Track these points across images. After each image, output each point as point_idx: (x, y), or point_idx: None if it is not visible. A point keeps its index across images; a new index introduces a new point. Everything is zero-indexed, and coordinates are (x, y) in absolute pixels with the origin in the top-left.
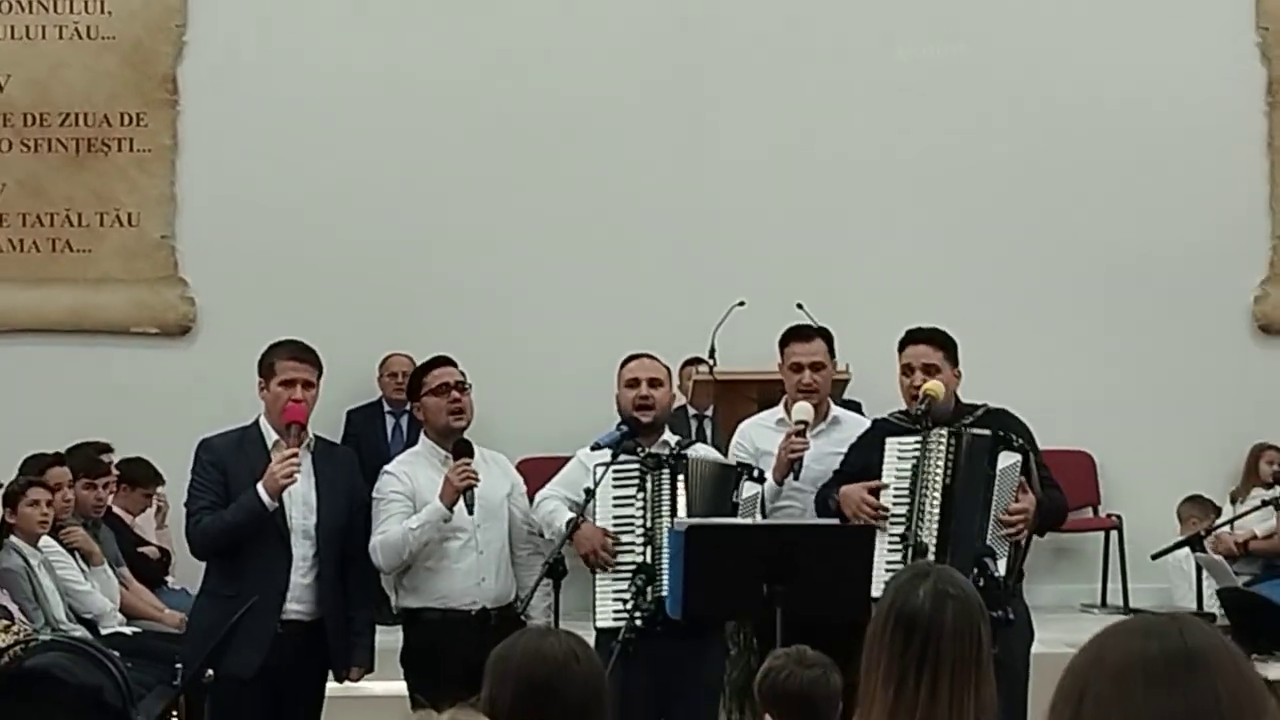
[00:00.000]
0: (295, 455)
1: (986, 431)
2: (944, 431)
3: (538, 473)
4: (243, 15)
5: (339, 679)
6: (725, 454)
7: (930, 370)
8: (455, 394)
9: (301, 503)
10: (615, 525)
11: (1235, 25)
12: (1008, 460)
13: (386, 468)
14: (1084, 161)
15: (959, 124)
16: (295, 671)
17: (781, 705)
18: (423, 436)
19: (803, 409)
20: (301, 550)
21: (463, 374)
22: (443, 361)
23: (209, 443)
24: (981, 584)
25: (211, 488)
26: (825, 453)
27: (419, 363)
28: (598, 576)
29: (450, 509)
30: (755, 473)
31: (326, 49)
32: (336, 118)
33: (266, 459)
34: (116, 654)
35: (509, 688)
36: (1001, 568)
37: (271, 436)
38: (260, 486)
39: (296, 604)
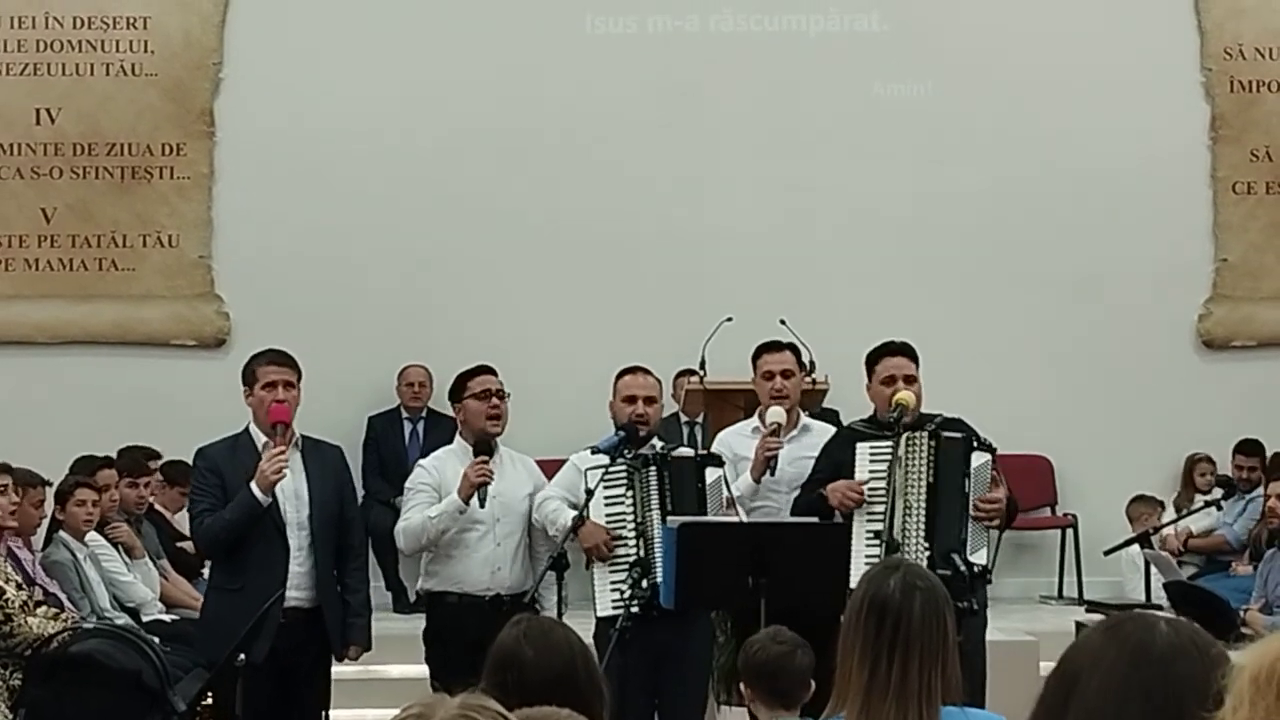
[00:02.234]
0: (283, 452)
1: (959, 434)
2: (924, 434)
3: (543, 473)
4: (273, 55)
5: (338, 658)
6: None
7: (910, 380)
8: (495, 400)
9: (294, 496)
10: (608, 521)
11: (1182, 66)
12: (980, 459)
13: (420, 461)
14: (1043, 189)
15: (927, 156)
16: (298, 655)
17: (751, 675)
18: (458, 436)
19: (776, 413)
20: (297, 541)
21: (502, 383)
22: (486, 370)
23: (204, 451)
24: (949, 575)
25: (210, 492)
26: (796, 456)
27: (432, 371)
28: (596, 569)
29: (466, 502)
30: (714, 460)
31: (348, 85)
32: (358, 149)
33: (258, 461)
34: (155, 640)
35: (487, 671)
36: (982, 557)
37: (260, 440)
38: (253, 484)
39: (295, 591)
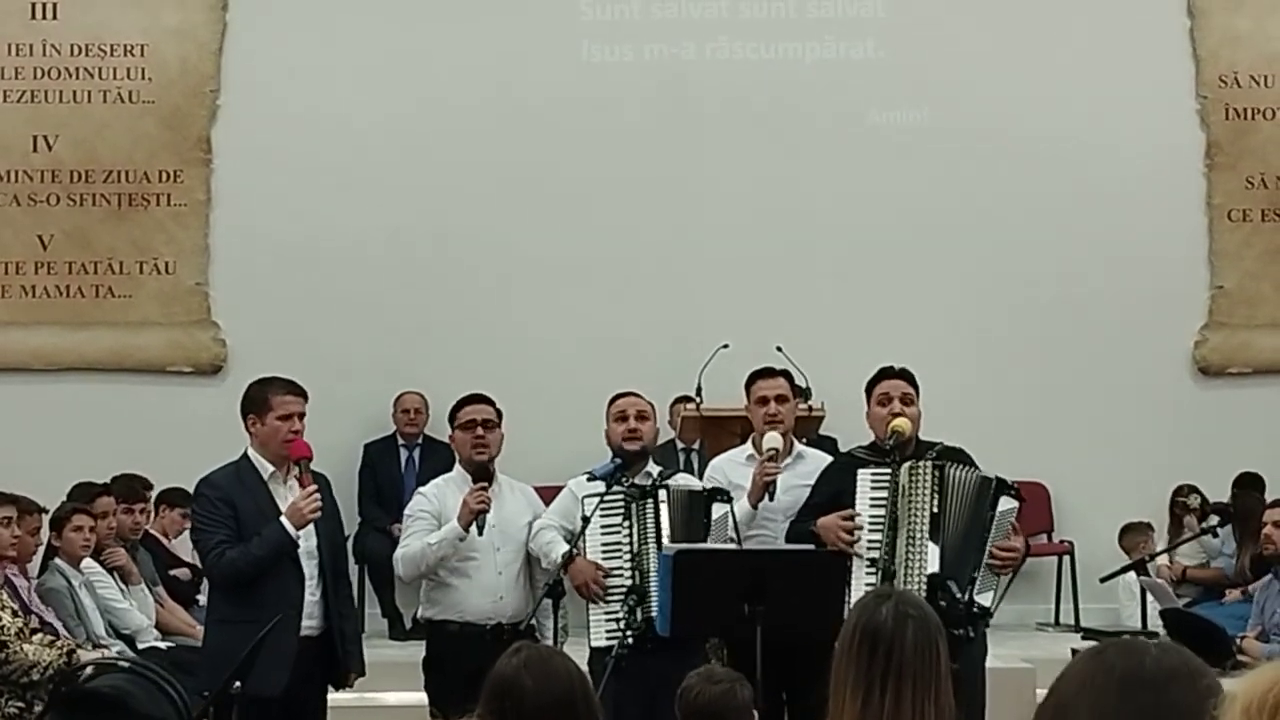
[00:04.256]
0: (317, 489)
1: (991, 475)
2: (927, 464)
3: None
4: (270, 82)
5: (338, 687)
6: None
7: (907, 400)
8: (480, 430)
9: None
10: (604, 550)
11: (1177, 94)
12: (1007, 504)
13: (420, 489)
14: (1040, 217)
15: (923, 183)
16: (306, 683)
17: (692, 719)
18: (457, 464)
19: (773, 438)
20: (309, 569)
21: (498, 411)
22: (476, 399)
23: (211, 480)
24: (943, 604)
25: (224, 522)
26: (792, 484)
27: (428, 399)
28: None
29: (466, 530)
30: (722, 496)
31: (344, 113)
32: (354, 175)
33: (265, 489)
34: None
35: (484, 699)
36: (988, 600)
37: (266, 468)
38: (285, 521)
39: (307, 619)
